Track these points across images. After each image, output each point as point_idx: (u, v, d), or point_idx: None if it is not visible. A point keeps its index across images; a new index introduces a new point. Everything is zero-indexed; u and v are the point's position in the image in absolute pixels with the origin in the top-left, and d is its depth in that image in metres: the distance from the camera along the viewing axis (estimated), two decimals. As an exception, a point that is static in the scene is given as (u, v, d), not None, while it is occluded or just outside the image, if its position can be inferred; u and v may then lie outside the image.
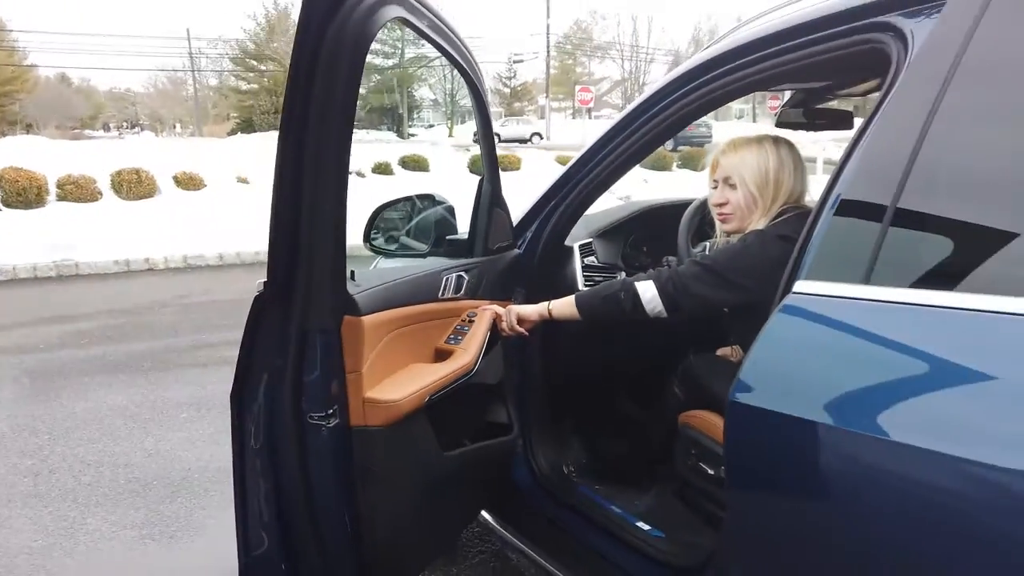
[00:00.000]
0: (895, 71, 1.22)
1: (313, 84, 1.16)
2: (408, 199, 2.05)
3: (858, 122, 1.90)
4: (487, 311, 1.78)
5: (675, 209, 2.21)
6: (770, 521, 1.24)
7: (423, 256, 1.89)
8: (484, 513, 2.12)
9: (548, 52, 42.46)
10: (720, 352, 1.95)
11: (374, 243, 1.94)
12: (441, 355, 1.63)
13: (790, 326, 1.21)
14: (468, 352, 1.62)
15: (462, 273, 1.75)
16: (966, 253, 1.09)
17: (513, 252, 1.96)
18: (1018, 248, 1.01)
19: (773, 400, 1.20)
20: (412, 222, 2.02)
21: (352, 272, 1.40)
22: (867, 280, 1.13)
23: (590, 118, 35.02)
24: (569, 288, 2.00)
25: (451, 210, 1.99)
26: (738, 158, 1.69)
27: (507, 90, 54.24)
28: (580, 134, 29.09)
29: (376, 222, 1.94)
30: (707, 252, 2.04)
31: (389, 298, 1.46)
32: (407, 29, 1.40)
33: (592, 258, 2.16)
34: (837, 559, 1.12)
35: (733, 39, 1.63)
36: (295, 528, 1.37)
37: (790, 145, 1.71)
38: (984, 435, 0.95)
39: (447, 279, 1.69)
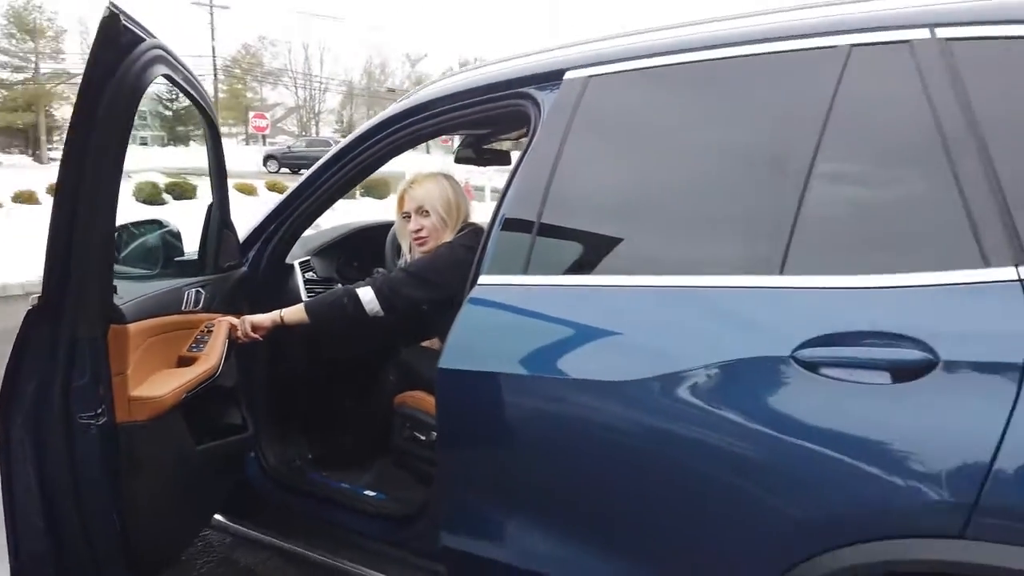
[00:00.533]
0: (534, 125, 1.76)
1: (93, 129, 1.35)
2: (125, 227, 2.17)
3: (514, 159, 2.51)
4: (223, 322, 2.01)
5: (377, 230, 2.64)
6: (472, 456, 1.70)
7: (151, 278, 2.05)
8: (218, 516, 2.30)
9: (216, 75, 40.45)
10: (425, 344, 2.39)
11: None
12: (185, 362, 1.83)
13: (477, 307, 1.69)
14: (210, 358, 1.85)
15: (199, 289, 1.96)
16: (586, 249, 1.66)
17: (241, 270, 2.20)
18: (616, 243, 1.60)
19: (468, 362, 1.67)
20: (134, 247, 2.15)
21: (115, 286, 1.57)
22: (525, 272, 1.65)
23: (264, 144, 34.11)
24: (294, 301, 2.30)
25: (176, 234, 2.16)
26: (425, 191, 2.17)
27: (169, 113, 50.46)
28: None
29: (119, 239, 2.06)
30: (406, 263, 2.49)
31: (144, 309, 1.65)
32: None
33: (311, 274, 2.48)
34: (520, 479, 1.61)
35: (422, 94, 2.10)
36: (65, 526, 1.49)
37: (454, 178, 2.24)
38: (593, 365, 1.49)
39: (188, 294, 1.90)
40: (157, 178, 14.60)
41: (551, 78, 1.76)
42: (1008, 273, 1.14)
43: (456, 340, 1.68)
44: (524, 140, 2.48)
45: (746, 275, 1.39)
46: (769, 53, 1.47)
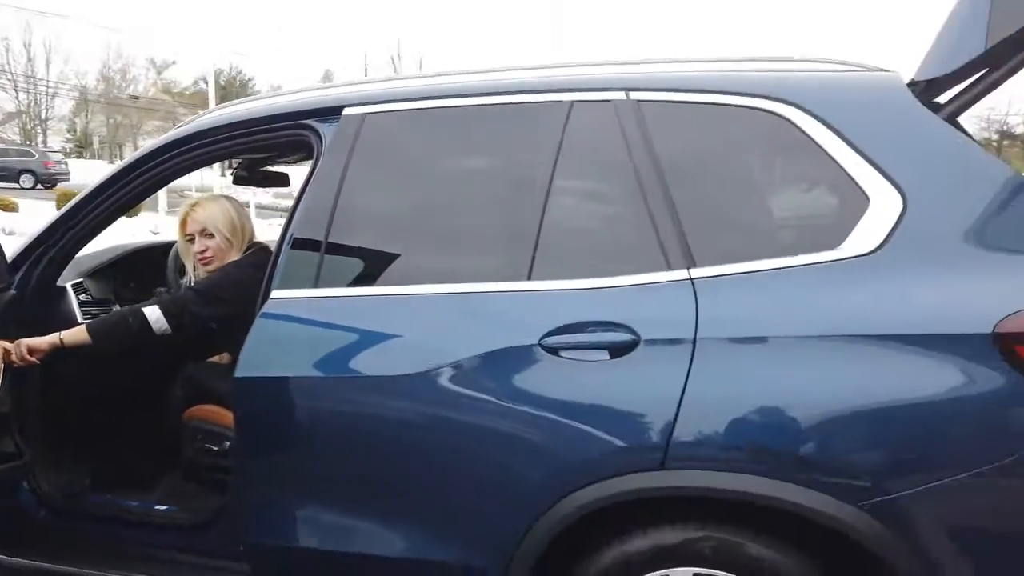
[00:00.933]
0: (318, 153, 1.97)
1: None
2: None
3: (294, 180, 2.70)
4: None
5: (155, 250, 2.66)
6: (271, 456, 1.86)
7: None
8: None
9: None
10: (213, 359, 2.47)
11: None
12: None
13: (270, 320, 1.86)
14: None
15: None
16: (369, 264, 1.90)
17: (9, 293, 2.14)
18: (394, 258, 1.86)
19: (264, 370, 1.84)
20: None
21: None
22: (315, 285, 1.86)
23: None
24: (69, 324, 2.27)
25: None
26: (208, 213, 2.28)
27: None
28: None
29: None
30: (192, 282, 2.56)
31: None
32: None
33: (86, 296, 2.45)
34: (317, 471, 1.81)
35: (205, 121, 2.21)
36: None
37: (236, 200, 2.38)
38: (376, 364, 1.74)
39: None
40: None
41: (331, 112, 1.99)
42: (682, 274, 1.58)
43: (252, 351, 1.84)
44: (300, 163, 2.69)
45: (502, 282, 1.72)
46: (513, 103, 1.83)
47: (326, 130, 1.97)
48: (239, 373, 1.84)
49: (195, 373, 2.37)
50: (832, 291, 1.49)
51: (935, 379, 1.41)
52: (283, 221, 2.48)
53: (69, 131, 51.46)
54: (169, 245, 2.71)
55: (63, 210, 2.24)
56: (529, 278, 1.69)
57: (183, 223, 2.33)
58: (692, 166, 1.69)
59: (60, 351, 2.09)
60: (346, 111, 1.96)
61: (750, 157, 1.75)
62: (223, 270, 2.23)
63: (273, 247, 1.97)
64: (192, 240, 2.30)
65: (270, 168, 2.88)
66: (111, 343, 2.11)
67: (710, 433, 1.50)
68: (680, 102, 1.71)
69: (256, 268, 2.17)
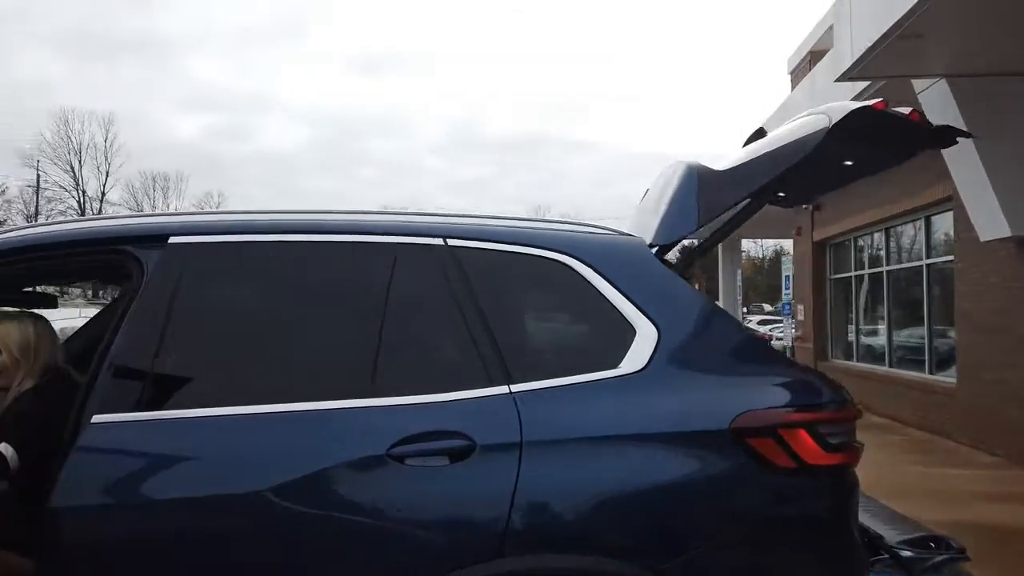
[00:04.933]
0: (140, 279, 2.01)
1: None
2: None
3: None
4: None
5: None
6: None
7: None
8: None
9: None
10: None
11: None
12: None
13: (95, 442, 1.82)
14: None
15: None
16: (204, 387, 1.96)
17: None
18: (232, 378, 1.96)
19: (91, 497, 1.79)
20: None
21: None
22: (147, 408, 1.88)
23: None
24: None
25: None
26: (3, 329, 2.15)
27: None
28: None
29: None
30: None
31: None
32: None
33: None
34: None
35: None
36: None
37: (47, 322, 2.27)
38: (217, 483, 1.81)
39: None
40: None
41: (154, 240, 2.06)
42: (504, 389, 1.93)
43: (73, 477, 1.78)
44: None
45: (343, 399, 1.92)
46: (348, 242, 2.10)
47: (147, 256, 2.04)
48: (60, 503, 1.76)
49: None
50: (615, 401, 1.94)
51: (690, 466, 1.89)
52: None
53: None
54: None
55: None
56: (372, 395, 1.92)
57: None
58: (505, 301, 2.09)
59: None
60: (172, 239, 2.05)
61: (544, 294, 2.20)
62: (30, 396, 2.10)
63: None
64: None
65: (37, 289, 2.74)
66: None
67: (537, 520, 1.82)
68: (486, 249, 2.12)
69: (60, 393, 2.10)
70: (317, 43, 72.52)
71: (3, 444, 1.98)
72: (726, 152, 2.49)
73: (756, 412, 1.90)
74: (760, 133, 2.51)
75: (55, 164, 44.51)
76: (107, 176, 46.13)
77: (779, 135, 2.19)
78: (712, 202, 2.12)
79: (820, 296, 13.75)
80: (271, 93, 70.64)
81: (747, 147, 2.31)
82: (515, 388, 1.93)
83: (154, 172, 48.12)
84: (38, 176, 43.20)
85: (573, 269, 2.07)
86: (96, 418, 1.85)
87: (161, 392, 1.92)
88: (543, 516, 1.83)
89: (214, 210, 2.29)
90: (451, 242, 2.09)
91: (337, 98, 72.86)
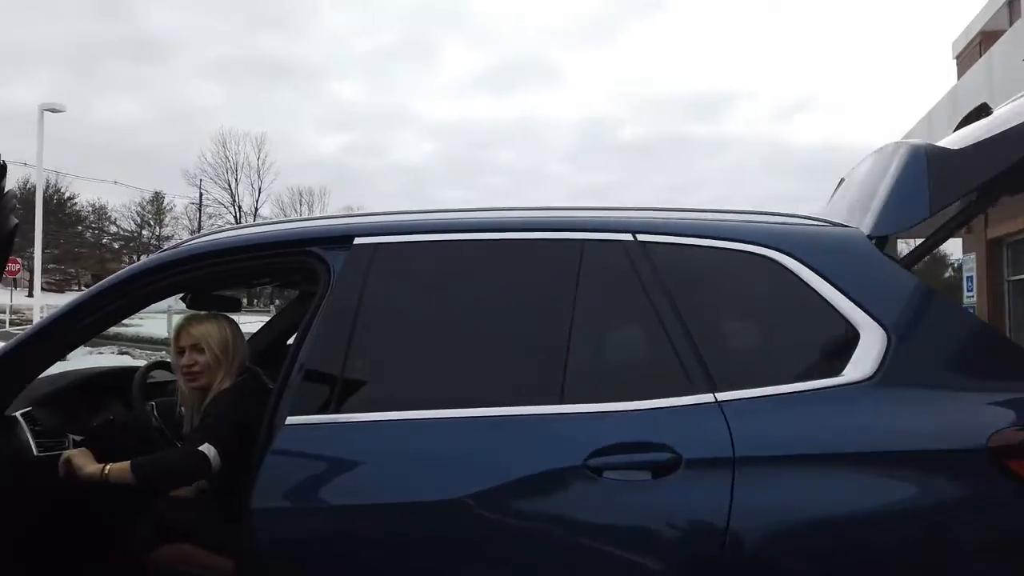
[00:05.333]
0: (326, 281, 1.99)
1: None
2: None
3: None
4: None
5: (113, 376, 2.47)
6: None
7: None
8: None
9: None
10: (176, 492, 2.29)
11: None
12: None
13: (290, 445, 1.80)
14: None
15: None
16: (393, 390, 1.91)
17: None
18: (425, 382, 1.89)
19: (287, 499, 1.77)
20: None
21: None
22: (336, 411, 1.85)
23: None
24: (21, 458, 2.06)
25: None
26: (203, 329, 2.21)
27: None
28: None
29: None
30: (156, 410, 2.41)
31: None
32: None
33: (38, 425, 2.21)
34: None
35: (191, 247, 2.18)
36: None
37: (235, 322, 2.31)
38: (419, 489, 1.74)
39: None
40: None
41: (340, 241, 2.04)
42: (708, 397, 1.75)
43: (270, 479, 1.77)
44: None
45: (535, 405, 1.81)
46: (534, 239, 2.00)
47: (333, 257, 2.02)
48: (257, 504, 1.75)
49: (164, 509, 2.18)
50: (842, 413, 1.71)
51: (938, 492, 1.63)
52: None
53: None
54: (132, 370, 2.53)
55: (16, 338, 2.09)
56: (563, 401, 1.79)
57: (177, 335, 2.25)
58: (704, 301, 1.91)
59: (97, 482, 1.99)
60: (357, 240, 2.02)
61: (748, 293, 1.99)
62: (229, 396, 2.14)
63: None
64: (183, 353, 2.22)
65: (224, 293, 2.82)
66: (160, 485, 2.07)
67: (756, 549, 1.63)
68: (680, 245, 1.94)
69: (253, 394, 2.12)
70: (448, 59, 74.78)
71: (205, 444, 2.01)
72: (882, 144, 2.20)
73: (1019, 430, 1.62)
74: (984, 110, 2.19)
75: (215, 183, 48.52)
76: (260, 192, 49.80)
77: (1019, 109, 1.88)
78: (946, 186, 1.85)
79: (996, 302, 12.42)
80: (403, 109, 73.64)
81: (976, 125, 2.01)
82: (721, 396, 1.74)
83: (300, 187, 51.22)
84: (200, 194, 47.22)
85: (782, 265, 1.86)
86: (290, 419, 1.84)
87: (350, 394, 1.89)
88: (763, 545, 1.63)
89: (399, 209, 2.32)
90: (641, 237, 1.94)
91: (466, 110, 74.70)
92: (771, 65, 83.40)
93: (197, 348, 2.22)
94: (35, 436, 2.16)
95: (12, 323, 20.43)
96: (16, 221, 1.57)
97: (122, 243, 50.76)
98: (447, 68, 76.14)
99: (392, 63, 74.17)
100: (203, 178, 47.60)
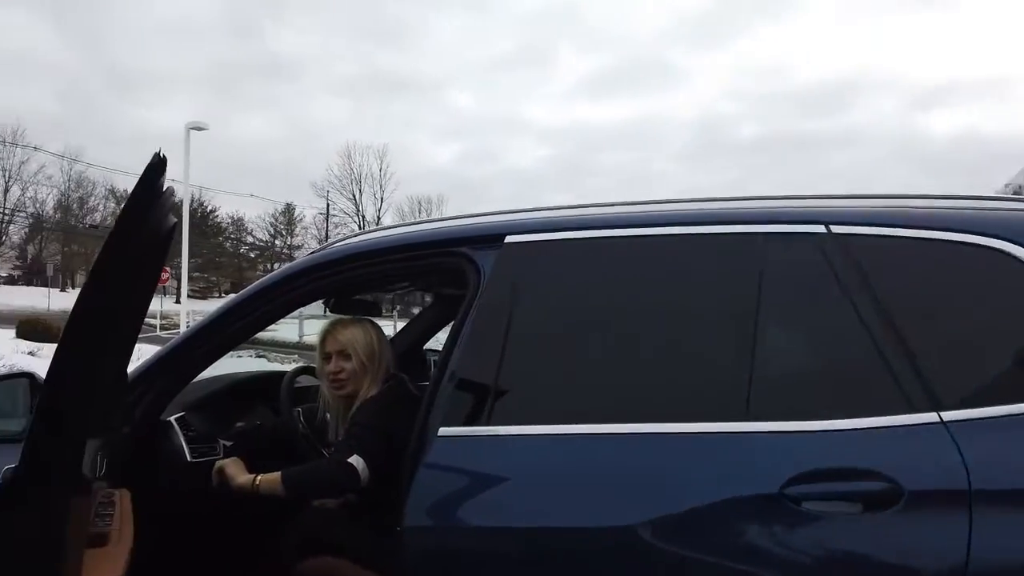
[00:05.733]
0: (476, 283, 1.85)
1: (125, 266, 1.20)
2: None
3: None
4: (124, 491, 1.72)
5: (262, 381, 2.46)
6: None
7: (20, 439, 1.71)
8: None
9: None
10: (321, 502, 2.22)
11: None
12: (96, 541, 1.53)
13: (442, 459, 1.67)
14: (125, 535, 1.56)
15: (100, 454, 1.67)
16: (554, 402, 1.72)
17: (126, 430, 1.91)
18: (586, 394, 1.71)
19: (442, 518, 1.64)
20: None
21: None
22: (489, 423, 1.69)
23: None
24: (176, 463, 2.04)
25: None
26: (350, 334, 2.12)
27: None
28: None
29: None
30: (302, 416, 2.35)
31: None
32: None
33: (191, 430, 2.21)
34: None
35: (340, 248, 2.10)
36: None
37: (379, 327, 2.22)
38: (587, 512, 1.56)
39: (99, 458, 1.61)
40: None
41: (490, 240, 1.89)
42: (931, 417, 1.47)
43: (425, 495, 1.64)
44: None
45: (716, 422, 1.58)
46: (706, 234, 1.77)
47: (483, 257, 1.87)
48: (410, 521, 1.62)
49: (311, 520, 2.11)
50: None
51: None
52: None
53: (18, 258, 50.57)
54: (279, 376, 2.51)
55: (171, 343, 2.08)
56: (750, 417, 1.56)
57: (323, 340, 2.18)
58: (918, 302, 1.62)
59: (248, 492, 1.96)
60: (509, 239, 1.87)
61: (971, 292, 1.69)
62: (375, 405, 2.05)
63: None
64: (328, 359, 2.14)
65: (364, 298, 2.76)
66: (306, 497, 2.02)
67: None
68: (883, 236, 1.67)
69: (400, 403, 2.01)
70: (560, 64, 75.00)
71: (355, 457, 1.92)
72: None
73: None
74: None
75: (340, 193, 50.73)
76: (382, 202, 51.60)
77: None
78: None
79: None
80: (516, 116, 74.45)
81: None
82: (948, 416, 1.46)
83: (419, 196, 52.69)
84: (327, 205, 49.49)
85: (1015, 258, 1.56)
86: (443, 431, 1.70)
87: (506, 405, 1.73)
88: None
89: (552, 205, 2.18)
90: (836, 229, 1.67)
91: (577, 113, 74.64)
92: (903, 55, 78.31)
93: (343, 354, 2.13)
94: (188, 441, 2.14)
95: (162, 327, 21.96)
96: (176, 219, 1.51)
97: (257, 252, 53.96)
98: (559, 73, 76.46)
99: (505, 71, 75.26)
100: (329, 189, 49.93)
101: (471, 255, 1.89)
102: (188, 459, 2.09)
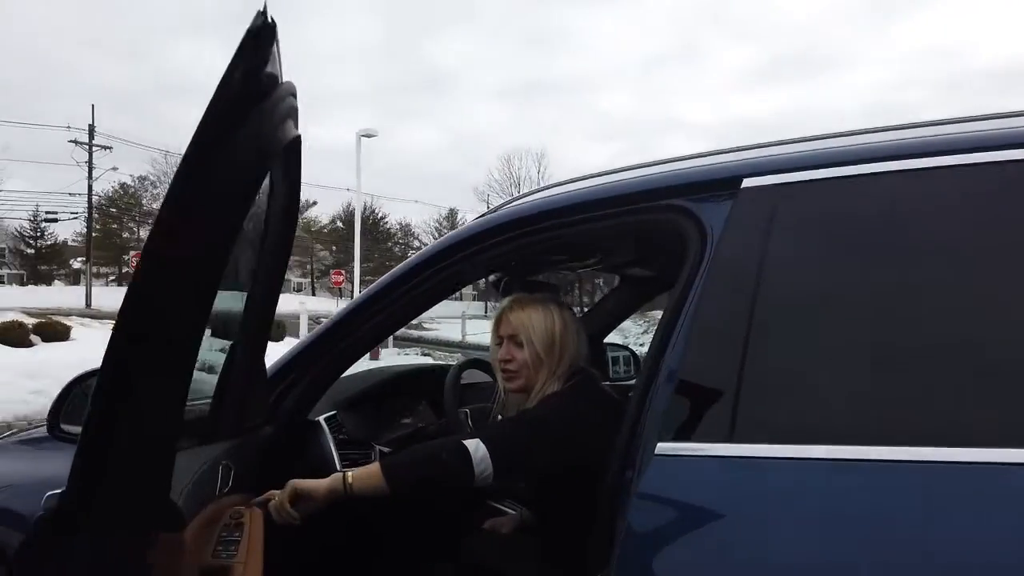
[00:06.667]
0: (700, 247, 1.34)
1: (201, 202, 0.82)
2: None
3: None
4: (257, 510, 1.38)
5: (423, 375, 2.08)
6: None
7: None
8: None
9: (91, 214, 38.51)
10: (492, 524, 1.81)
11: (69, 430, 1.37)
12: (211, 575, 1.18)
13: (664, 485, 1.18)
14: (252, 569, 1.20)
15: (228, 461, 1.34)
16: (838, 412, 1.17)
17: (266, 430, 1.59)
18: (888, 402, 1.15)
19: (669, 563, 1.15)
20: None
21: None
22: (732, 439, 1.18)
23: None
24: (323, 469, 1.69)
25: None
26: (525, 317, 1.68)
27: (31, 251, 47.50)
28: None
29: (71, 399, 1.38)
30: (470, 418, 1.95)
31: (191, 502, 1.03)
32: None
33: (342, 433, 1.87)
34: None
35: (514, 209, 1.66)
36: None
37: (569, 310, 1.76)
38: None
39: (221, 470, 1.27)
40: (22, 318, 13.07)
41: (720, 187, 1.38)
42: None
43: (641, 538, 1.16)
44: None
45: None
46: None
47: (709, 211, 1.36)
48: (621, 572, 1.15)
49: (475, 547, 1.70)
50: None
51: None
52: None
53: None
54: (440, 370, 2.12)
55: (319, 329, 1.73)
56: None
57: (497, 322, 1.74)
58: None
59: (341, 498, 1.44)
60: (747, 183, 1.35)
61: None
62: (553, 401, 1.59)
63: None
64: (501, 344, 1.71)
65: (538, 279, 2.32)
66: (414, 490, 1.51)
67: None
68: None
69: (591, 406, 1.55)
70: (714, 58, 72.11)
71: (475, 441, 1.44)
72: None
73: None
74: None
75: (500, 197, 51.57)
76: (542, 205, 52.05)
77: None
78: None
79: None
80: (670, 113, 72.48)
81: None
82: None
83: (578, 198, 52.57)
84: (488, 208, 50.80)
85: None
86: (661, 447, 1.21)
87: (758, 414, 1.20)
88: None
89: (804, 136, 1.62)
90: None
91: (734, 109, 71.34)
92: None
93: (516, 340, 1.68)
94: (338, 446, 1.79)
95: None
96: (297, 132, 1.11)
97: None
98: (714, 67, 73.58)
99: (658, 69, 73.52)
100: (490, 194, 50.91)
101: (692, 209, 1.38)
102: (338, 468, 1.74)
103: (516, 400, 1.70)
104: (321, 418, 1.83)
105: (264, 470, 1.53)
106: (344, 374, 1.78)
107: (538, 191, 1.72)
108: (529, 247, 1.63)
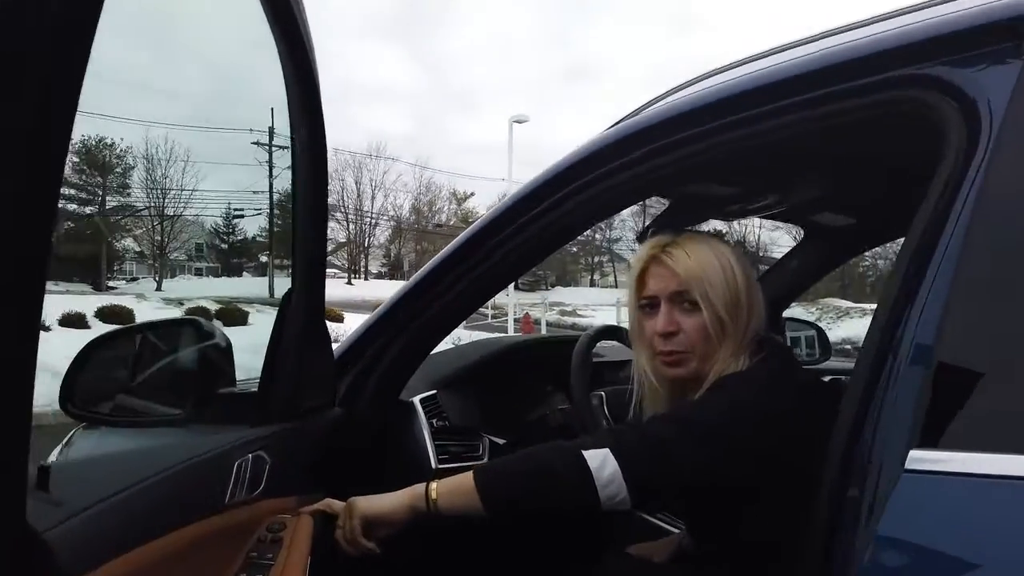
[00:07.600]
0: (972, 147, 0.83)
1: None
2: (144, 329, 1.25)
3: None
4: (304, 519, 1.01)
5: (545, 348, 1.65)
6: None
7: (175, 423, 1.09)
8: None
9: (272, 210, 41.66)
10: (640, 549, 1.35)
11: (80, 407, 1.07)
12: None
13: (923, 516, 0.73)
14: None
15: (262, 453, 0.98)
16: None
17: (333, 413, 1.22)
18: None
19: None
20: (153, 367, 1.20)
21: (45, 468, 0.62)
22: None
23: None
24: (417, 464, 1.32)
25: (224, 349, 1.20)
26: (695, 263, 1.14)
27: (225, 246, 52.10)
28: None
29: (84, 369, 1.09)
30: (606, 404, 1.50)
31: (126, 524, 0.67)
32: None
33: (441, 418, 1.49)
34: None
35: (663, 109, 1.19)
36: None
37: (736, 251, 1.23)
38: None
39: (240, 466, 0.92)
40: (208, 305, 14.45)
41: (997, 39, 0.85)
42: None
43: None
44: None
45: None
46: None
47: (985, 81, 0.84)
48: None
49: (618, 569, 1.24)
50: None
51: None
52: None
53: (384, 256, 58.64)
54: (566, 342, 1.66)
55: (402, 291, 1.34)
56: None
57: (641, 278, 1.19)
58: None
59: (423, 519, 1.05)
60: None
61: None
62: (724, 388, 1.09)
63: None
64: (650, 309, 1.19)
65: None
66: (518, 514, 1.06)
67: None
68: None
69: (793, 391, 1.06)
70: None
71: (601, 451, 0.97)
72: None
73: None
74: None
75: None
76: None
77: None
78: None
79: None
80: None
81: None
82: None
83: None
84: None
85: None
86: (916, 455, 0.73)
87: None
88: None
89: None
90: None
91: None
92: None
93: (682, 301, 1.15)
94: (435, 435, 1.41)
95: (493, 317, 23.12)
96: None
97: (579, 247, 55.60)
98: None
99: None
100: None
101: (952, 79, 0.87)
102: (434, 465, 1.35)
103: (671, 387, 1.21)
104: (416, 399, 1.45)
105: (326, 464, 1.17)
106: (438, 348, 1.39)
107: (690, 83, 1.24)
108: (684, 162, 1.14)
